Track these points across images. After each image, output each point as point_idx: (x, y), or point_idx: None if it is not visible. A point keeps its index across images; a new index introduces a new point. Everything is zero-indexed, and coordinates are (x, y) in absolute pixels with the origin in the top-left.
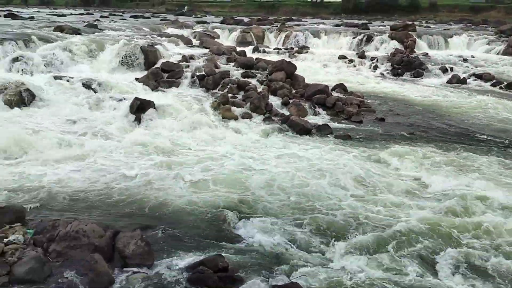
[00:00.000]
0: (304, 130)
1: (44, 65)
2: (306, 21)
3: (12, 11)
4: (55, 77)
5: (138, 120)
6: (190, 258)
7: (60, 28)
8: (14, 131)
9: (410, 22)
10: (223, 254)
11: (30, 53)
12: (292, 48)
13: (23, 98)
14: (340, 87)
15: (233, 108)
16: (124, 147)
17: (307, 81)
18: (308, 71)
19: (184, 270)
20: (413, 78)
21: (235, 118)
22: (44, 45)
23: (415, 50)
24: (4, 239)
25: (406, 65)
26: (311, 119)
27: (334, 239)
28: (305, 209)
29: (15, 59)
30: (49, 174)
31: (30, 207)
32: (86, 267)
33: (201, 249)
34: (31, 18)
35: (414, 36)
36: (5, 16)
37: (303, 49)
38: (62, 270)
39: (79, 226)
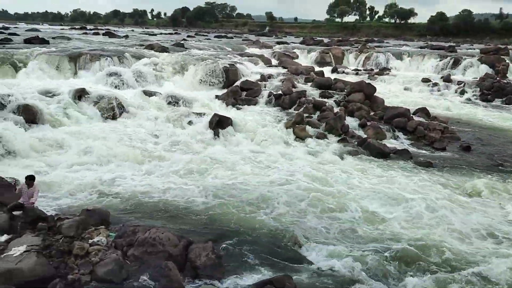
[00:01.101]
0: (381, 154)
1: (135, 80)
2: (388, 43)
3: (110, 30)
4: (144, 92)
5: (216, 135)
6: (258, 275)
7: (150, 46)
8: (106, 140)
9: (502, 46)
10: (291, 275)
11: (123, 69)
12: (372, 70)
13: (114, 110)
14: (423, 111)
15: (308, 127)
16: (202, 160)
17: (386, 103)
18: (388, 93)
19: (252, 286)
20: (504, 105)
21: (310, 138)
22: (136, 61)
23: (507, 75)
24: (90, 240)
25: (497, 91)
26: (390, 143)
27: (412, 271)
28: (382, 239)
29: (110, 74)
30: (132, 181)
31: (114, 212)
32: (160, 273)
33: (269, 267)
34: (126, 36)
35: (506, 61)
36: (103, 34)
37: (383, 70)
38: (138, 274)
39: (156, 234)
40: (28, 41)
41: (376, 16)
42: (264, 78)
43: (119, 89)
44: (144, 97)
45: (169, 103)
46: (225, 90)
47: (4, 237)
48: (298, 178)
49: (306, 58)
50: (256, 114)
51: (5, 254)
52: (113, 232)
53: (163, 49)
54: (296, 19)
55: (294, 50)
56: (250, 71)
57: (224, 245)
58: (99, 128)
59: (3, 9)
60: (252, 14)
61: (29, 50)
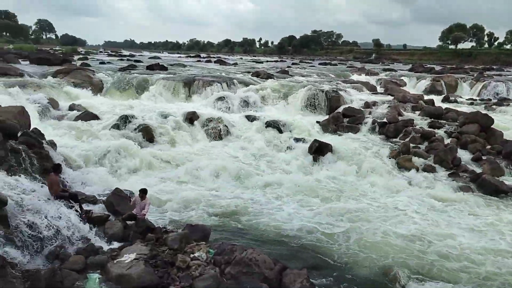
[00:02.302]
0: (497, 192)
1: (240, 105)
2: (510, 71)
3: (220, 57)
4: (247, 116)
5: (315, 160)
6: None
7: (257, 73)
8: (210, 160)
9: None
10: None
11: (231, 94)
12: (489, 100)
13: (220, 132)
14: None
15: (414, 158)
16: (301, 185)
17: (505, 137)
18: (508, 126)
19: None
20: None
21: (416, 169)
22: (242, 87)
23: None
24: (191, 254)
25: None
26: (508, 181)
27: None
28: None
29: (219, 98)
30: (233, 201)
31: (214, 228)
32: None
33: None
34: (235, 64)
35: None
36: (215, 62)
37: (503, 101)
38: None
39: (253, 255)
40: (150, 67)
41: (496, 43)
42: (368, 105)
43: (226, 112)
44: (247, 121)
45: (270, 127)
46: (326, 116)
47: (118, 244)
48: (403, 212)
49: (414, 86)
50: (358, 142)
51: (118, 260)
52: (212, 248)
53: (268, 76)
54: (405, 46)
55: (402, 78)
56: (353, 97)
57: (319, 274)
58: (206, 148)
59: (131, 39)
60: (359, 41)
61: (150, 75)
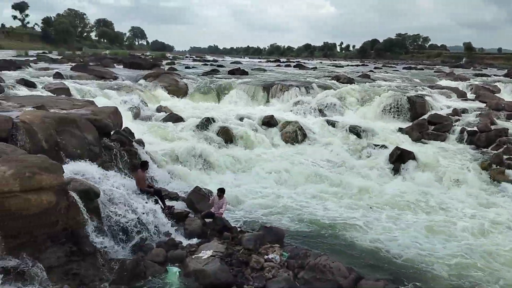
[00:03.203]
0: None
1: (318, 110)
2: None
3: (300, 62)
4: (326, 121)
5: (396, 169)
6: None
7: (337, 78)
8: (286, 164)
9: None
10: None
11: (309, 98)
12: None
13: (297, 136)
14: None
15: (508, 171)
16: (380, 194)
17: None
18: None
19: None
20: None
21: (510, 183)
22: (321, 91)
23: None
24: (265, 256)
25: None
26: None
27: None
28: None
29: (297, 103)
30: (307, 205)
31: (287, 232)
32: None
33: None
34: (314, 68)
35: None
36: (294, 66)
37: None
38: None
39: (327, 262)
40: (231, 72)
41: None
42: (456, 112)
43: (304, 117)
44: (326, 126)
45: (350, 132)
46: (410, 123)
47: (196, 240)
48: (497, 231)
49: (510, 93)
50: (444, 151)
51: (195, 255)
52: (286, 252)
53: (349, 80)
54: (500, 50)
55: (496, 84)
56: (440, 104)
57: (396, 286)
58: (283, 152)
59: (214, 45)
60: (447, 45)
61: (231, 80)
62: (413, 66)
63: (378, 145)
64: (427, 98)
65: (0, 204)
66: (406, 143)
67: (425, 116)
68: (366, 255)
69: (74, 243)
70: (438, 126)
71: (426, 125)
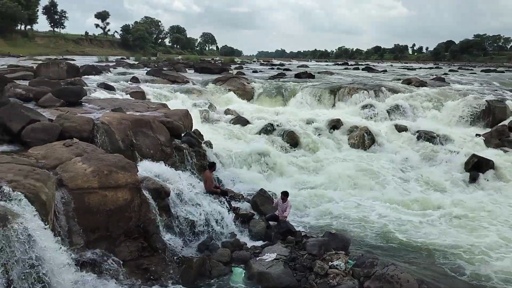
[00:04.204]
0: None
1: (388, 114)
2: None
3: (369, 65)
4: (396, 126)
5: (472, 178)
6: None
7: (408, 81)
8: (352, 169)
9: None
10: None
11: (378, 102)
12: None
13: (364, 141)
14: None
15: None
16: (458, 205)
17: None
18: None
19: None
20: None
21: None
22: (391, 95)
23: None
24: (329, 262)
25: None
26: None
27: None
28: None
29: (365, 106)
30: (374, 213)
31: (353, 239)
32: None
33: None
34: (384, 71)
35: None
36: (363, 69)
37: None
38: None
39: (395, 272)
40: (297, 75)
41: None
42: None
43: (372, 121)
44: (395, 131)
45: (421, 138)
46: (488, 129)
47: (260, 243)
48: None
49: None
50: None
51: (259, 258)
52: (352, 259)
53: (421, 84)
54: None
55: None
56: None
57: None
58: (349, 157)
59: (281, 49)
60: None
61: (297, 83)
62: (492, 68)
63: (453, 151)
64: (508, 102)
65: (81, 199)
66: (485, 151)
67: (506, 122)
68: (438, 268)
69: (145, 239)
70: None
71: (507, 132)
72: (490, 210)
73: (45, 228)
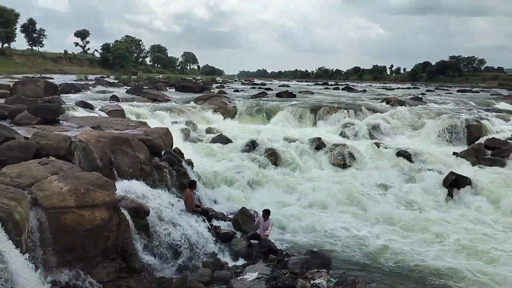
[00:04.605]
0: None
1: (368, 132)
2: None
3: (348, 85)
4: (376, 144)
5: (450, 195)
6: None
7: (387, 100)
8: (332, 189)
9: None
10: None
11: (358, 121)
12: None
13: (345, 159)
14: None
15: None
16: (434, 222)
17: None
18: None
19: None
20: None
21: None
22: (370, 114)
23: None
24: (311, 280)
25: None
26: None
27: None
28: None
29: (345, 125)
30: (354, 231)
31: (334, 258)
32: None
33: None
34: (364, 91)
35: None
36: (342, 89)
37: None
38: None
39: None
40: (279, 95)
41: None
42: None
43: (352, 139)
44: (375, 149)
45: (400, 156)
46: (465, 147)
47: (242, 262)
48: None
49: None
50: (504, 177)
51: (241, 277)
52: (333, 277)
53: (400, 103)
54: None
55: None
56: (498, 128)
57: None
58: (330, 175)
59: (263, 69)
60: (505, 67)
61: (279, 102)
62: (468, 88)
63: (431, 169)
64: (484, 121)
65: (56, 219)
66: (461, 168)
67: (482, 140)
68: (418, 285)
69: (123, 259)
70: (496, 151)
71: (482, 150)
72: (466, 226)
73: (18, 250)
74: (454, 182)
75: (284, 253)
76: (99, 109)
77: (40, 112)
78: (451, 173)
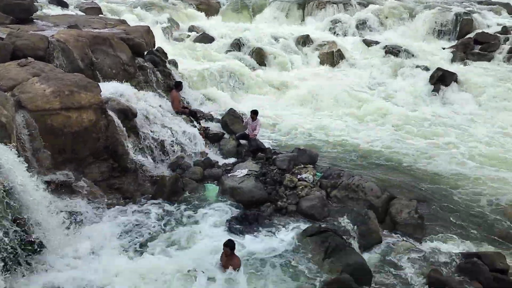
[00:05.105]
0: None
1: (357, 29)
2: None
3: None
4: (364, 41)
5: (436, 91)
6: (462, 246)
7: None
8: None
9: None
10: (504, 254)
11: (347, 16)
12: None
13: (333, 57)
14: None
15: None
16: (419, 117)
17: None
18: None
19: (454, 255)
20: None
21: None
22: (361, 9)
23: None
24: (298, 175)
25: None
26: None
27: None
28: None
29: (334, 21)
30: (341, 129)
31: (321, 154)
32: (360, 220)
33: (476, 239)
34: None
35: None
36: None
37: None
38: (337, 215)
39: (360, 182)
40: None
41: None
42: (506, 30)
43: (341, 36)
44: (364, 46)
45: (389, 53)
46: (454, 42)
47: (232, 160)
48: None
49: None
50: (489, 72)
51: (231, 174)
52: (319, 172)
53: None
54: None
55: None
56: (489, 22)
57: (428, 206)
58: (318, 73)
59: None
60: None
61: None
62: None
63: (419, 66)
64: (474, 15)
65: (43, 121)
66: (448, 64)
67: (471, 35)
68: (401, 177)
69: (115, 160)
70: (485, 45)
71: (471, 45)
72: (449, 119)
73: (9, 150)
74: (441, 78)
75: (272, 151)
76: (74, 7)
77: (11, 10)
78: (438, 69)
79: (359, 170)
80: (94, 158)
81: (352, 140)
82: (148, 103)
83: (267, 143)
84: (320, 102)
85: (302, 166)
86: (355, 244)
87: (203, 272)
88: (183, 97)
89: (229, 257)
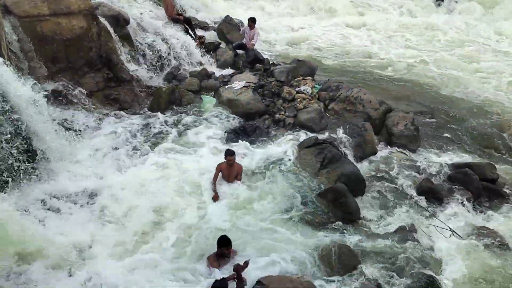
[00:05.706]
0: None
1: None
2: None
3: None
4: None
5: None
6: (455, 157)
7: None
8: None
9: None
10: (495, 165)
11: None
12: None
13: None
14: None
15: None
16: (419, 26)
17: None
18: None
19: (446, 166)
20: None
21: None
22: None
23: None
24: (297, 88)
25: None
26: None
27: None
28: None
29: None
30: (340, 37)
31: (321, 66)
32: (356, 131)
33: (469, 151)
34: None
35: None
36: None
37: None
38: (335, 127)
39: (358, 94)
40: None
41: None
42: None
43: None
44: None
45: None
46: None
47: (229, 71)
48: None
49: None
50: None
51: (228, 86)
52: (318, 84)
53: None
54: None
55: None
56: None
57: (425, 119)
58: None
59: None
60: None
61: None
62: None
63: None
64: None
65: (33, 28)
66: None
67: None
68: (401, 89)
69: (109, 69)
70: None
71: None
72: (458, 29)
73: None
74: None
75: (270, 62)
76: None
77: None
78: None
79: (360, 82)
80: (88, 68)
81: (353, 51)
82: (140, 10)
83: (265, 54)
84: (319, 10)
85: (301, 78)
86: (350, 155)
87: None
88: (178, 3)
89: (232, 166)
